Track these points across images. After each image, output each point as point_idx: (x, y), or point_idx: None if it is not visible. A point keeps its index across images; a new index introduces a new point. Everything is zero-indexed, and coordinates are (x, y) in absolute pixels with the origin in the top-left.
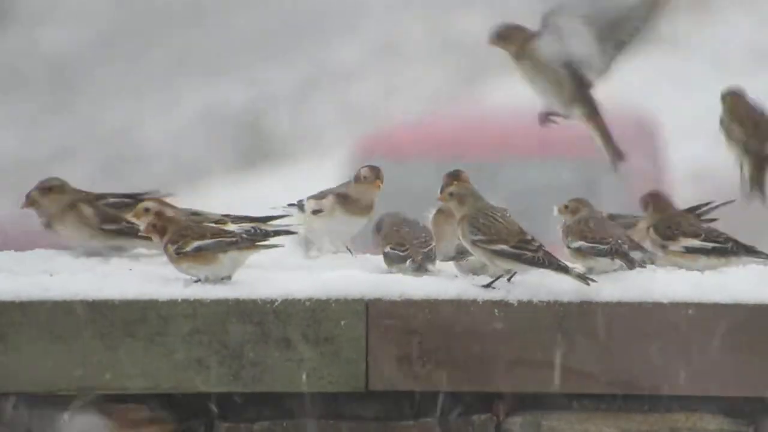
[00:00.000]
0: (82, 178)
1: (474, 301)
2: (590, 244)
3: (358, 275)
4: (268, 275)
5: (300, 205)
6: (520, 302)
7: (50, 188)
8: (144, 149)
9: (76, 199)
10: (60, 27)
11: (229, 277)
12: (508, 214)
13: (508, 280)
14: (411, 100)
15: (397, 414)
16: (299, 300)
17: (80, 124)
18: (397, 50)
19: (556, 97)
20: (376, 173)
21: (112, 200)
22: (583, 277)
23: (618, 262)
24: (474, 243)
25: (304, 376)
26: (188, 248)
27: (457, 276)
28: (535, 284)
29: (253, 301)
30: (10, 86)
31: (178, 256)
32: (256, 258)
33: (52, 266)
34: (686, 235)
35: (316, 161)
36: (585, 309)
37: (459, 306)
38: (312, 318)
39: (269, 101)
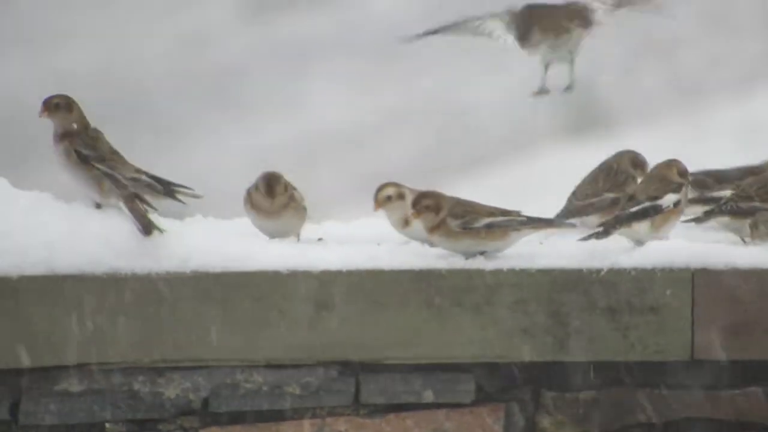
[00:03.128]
0: (415, 145)
1: None
2: None
3: (684, 244)
4: (592, 245)
5: None
6: None
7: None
8: (474, 115)
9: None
10: None
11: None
12: None
13: None
14: (733, 71)
15: (723, 383)
16: (625, 269)
17: (409, 91)
18: (725, 19)
19: None
20: None
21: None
22: None
23: None
24: None
25: (630, 345)
26: (478, 224)
27: None
28: None
29: (579, 271)
30: (341, 56)
31: (463, 231)
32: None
33: (379, 236)
34: None
35: (643, 131)
36: None
37: None
38: (637, 287)
39: (597, 68)
